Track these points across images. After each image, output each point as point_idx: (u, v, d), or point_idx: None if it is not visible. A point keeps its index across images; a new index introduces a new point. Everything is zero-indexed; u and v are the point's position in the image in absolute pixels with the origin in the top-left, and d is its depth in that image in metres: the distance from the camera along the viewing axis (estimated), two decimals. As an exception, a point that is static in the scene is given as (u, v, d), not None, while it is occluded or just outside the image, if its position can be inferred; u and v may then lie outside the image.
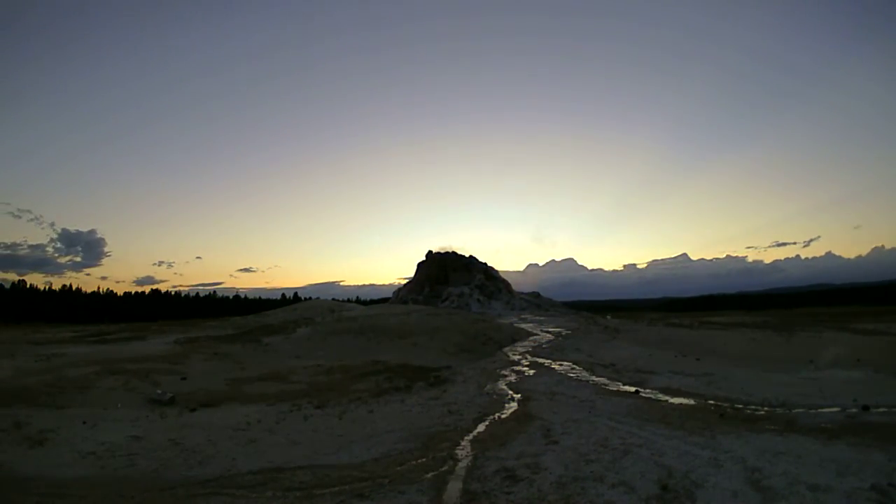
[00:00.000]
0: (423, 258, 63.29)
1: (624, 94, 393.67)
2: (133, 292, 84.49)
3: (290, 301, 76.98)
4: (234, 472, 6.95)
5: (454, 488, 5.84)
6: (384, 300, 68.01)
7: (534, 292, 61.05)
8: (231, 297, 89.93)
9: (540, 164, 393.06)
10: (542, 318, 37.64)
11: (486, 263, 60.66)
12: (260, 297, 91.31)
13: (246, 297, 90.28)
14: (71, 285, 74.66)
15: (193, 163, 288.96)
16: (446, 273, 58.06)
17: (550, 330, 28.30)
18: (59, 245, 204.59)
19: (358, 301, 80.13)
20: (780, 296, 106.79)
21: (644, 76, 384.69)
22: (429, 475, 6.34)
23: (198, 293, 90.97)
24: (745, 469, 5.84)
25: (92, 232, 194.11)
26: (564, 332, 27.12)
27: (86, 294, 73.52)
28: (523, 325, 30.68)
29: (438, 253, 61.78)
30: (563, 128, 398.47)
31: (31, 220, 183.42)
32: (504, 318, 35.49)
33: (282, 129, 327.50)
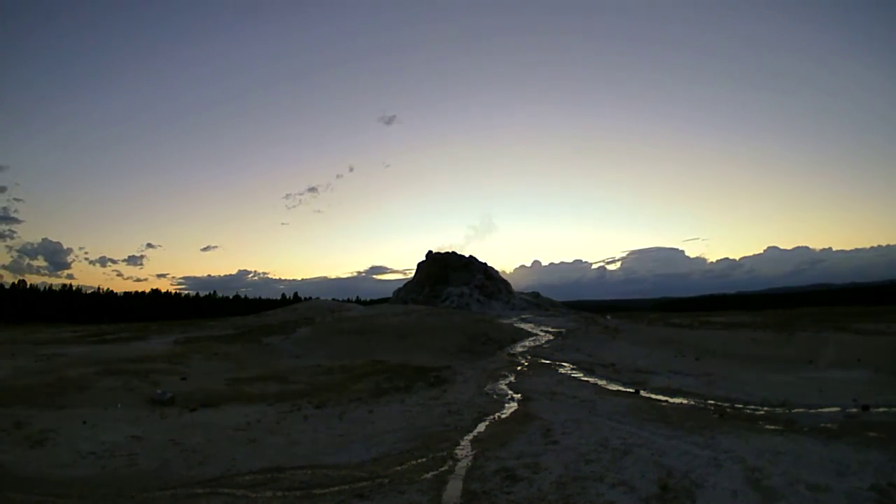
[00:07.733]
0: (423, 258, 63.20)
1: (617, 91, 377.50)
2: (133, 292, 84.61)
3: (290, 301, 76.87)
4: (234, 472, 6.95)
5: (454, 488, 5.84)
6: (384, 300, 67.90)
7: (534, 292, 60.80)
8: (231, 297, 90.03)
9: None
10: (542, 317, 37.59)
11: (485, 263, 60.49)
12: (260, 297, 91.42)
13: (246, 297, 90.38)
14: (71, 285, 74.86)
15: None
16: (446, 273, 57.95)
17: (550, 330, 28.26)
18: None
19: (358, 301, 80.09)
20: (780, 296, 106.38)
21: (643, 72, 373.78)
22: (429, 475, 6.35)
23: (197, 293, 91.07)
24: (745, 469, 5.83)
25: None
26: (564, 332, 27.11)
27: (86, 294, 73.61)
28: (523, 325, 30.62)
29: (438, 253, 61.64)
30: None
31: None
32: (504, 318, 35.42)
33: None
